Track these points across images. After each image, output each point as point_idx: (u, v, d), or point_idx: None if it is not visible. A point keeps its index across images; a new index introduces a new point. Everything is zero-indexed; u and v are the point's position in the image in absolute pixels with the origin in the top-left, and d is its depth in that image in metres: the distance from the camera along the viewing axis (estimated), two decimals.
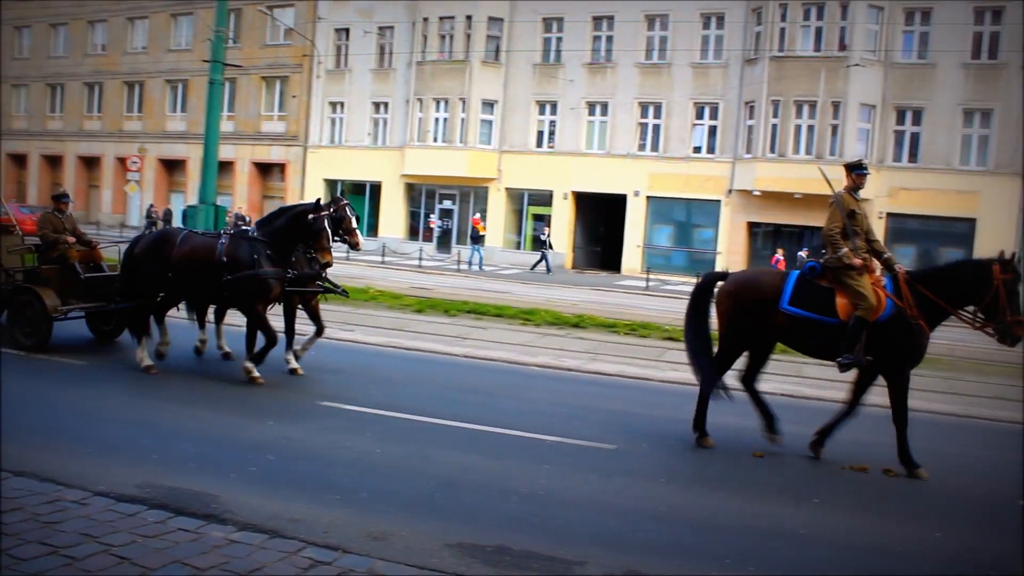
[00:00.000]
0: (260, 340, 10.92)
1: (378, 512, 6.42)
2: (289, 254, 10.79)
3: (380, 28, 40.37)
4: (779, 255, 30.98)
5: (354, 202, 40.86)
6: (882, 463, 8.68)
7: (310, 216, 10.40)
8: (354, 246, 11.33)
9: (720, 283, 9.36)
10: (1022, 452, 9.28)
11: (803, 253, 30.55)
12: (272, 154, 43.66)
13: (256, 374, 10.55)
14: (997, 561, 6.38)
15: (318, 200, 10.67)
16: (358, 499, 6.71)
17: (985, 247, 30.98)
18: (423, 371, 11.53)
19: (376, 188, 41.13)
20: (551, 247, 35.03)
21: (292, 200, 42.34)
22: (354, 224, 11.19)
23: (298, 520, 6.09)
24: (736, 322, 9.03)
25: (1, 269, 12.26)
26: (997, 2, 31.08)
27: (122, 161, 43.26)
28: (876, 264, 9.04)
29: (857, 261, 8.59)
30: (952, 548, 6.60)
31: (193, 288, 11.12)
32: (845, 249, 8.66)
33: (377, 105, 40.81)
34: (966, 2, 31.28)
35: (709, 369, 9.17)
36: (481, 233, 35.90)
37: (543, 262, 34.22)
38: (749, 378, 9.41)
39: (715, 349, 9.36)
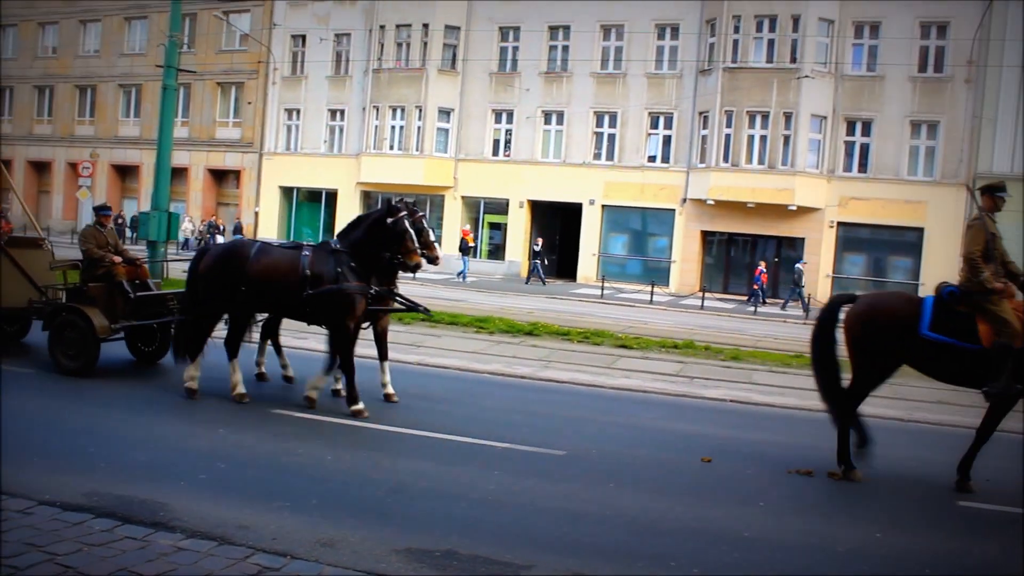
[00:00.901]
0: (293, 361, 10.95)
1: (327, 518, 6.45)
2: (374, 266, 10.12)
3: (337, 35, 40.29)
4: (762, 267, 31.37)
5: (310, 210, 41.46)
6: (827, 467, 8.85)
7: (388, 220, 9.89)
8: (433, 260, 10.43)
9: (847, 306, 8.95)
10: (961, 454, 9.49)
11: (800, 266, 30.87)
12: (227, 160, 43.34)
13: (361, 406, 9.82)
14: (934, 559, 6.54)
15: (389, 201, 10.16)
16: (307, 505, 6.73)
17: (933, 255, 31.74)
18: (376, 379, 11.49)
19: (332, 196, 40.97)
20: (544, 259, 35.01)
21: (247, 207, 42.20)
22: (432, 236, 10.55)
23: (247, 527, 6.11)
24: (870, 348, 8.51)
25: (32, 286, 11.77)
26: (942, 17, 31.79)
27: (73, 166, 42.63)
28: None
29: (998, 285, 8.34)
30: (892, 548, 6.77)
31: (270, 304, 10.47)
32: (986, 273, 8.36)
33: (333, 112, 40.69)
34: (913, 17, 31.96)
35: (843, 403, 8.75)
36: (470, 244, 35.75)
37: (536, 273, 34.23)
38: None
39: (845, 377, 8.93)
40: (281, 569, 5.39)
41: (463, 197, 38.48)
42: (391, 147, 38.19)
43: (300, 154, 41.31)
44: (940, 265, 31.64)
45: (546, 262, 35.42)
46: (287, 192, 42.20)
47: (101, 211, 11.84)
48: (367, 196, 40.22)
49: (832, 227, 33.05)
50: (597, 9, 35.74)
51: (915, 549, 6.78)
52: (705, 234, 35.02)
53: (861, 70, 32.89)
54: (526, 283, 33.89)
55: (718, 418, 11.40)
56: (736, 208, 33.30)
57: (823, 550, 6.61)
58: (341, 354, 9.91)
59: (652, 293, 29.71)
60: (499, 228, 38.42)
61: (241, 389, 10.20)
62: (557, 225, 38.57)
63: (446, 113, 37.90)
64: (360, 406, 9.76)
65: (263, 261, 10.12)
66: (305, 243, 10.70)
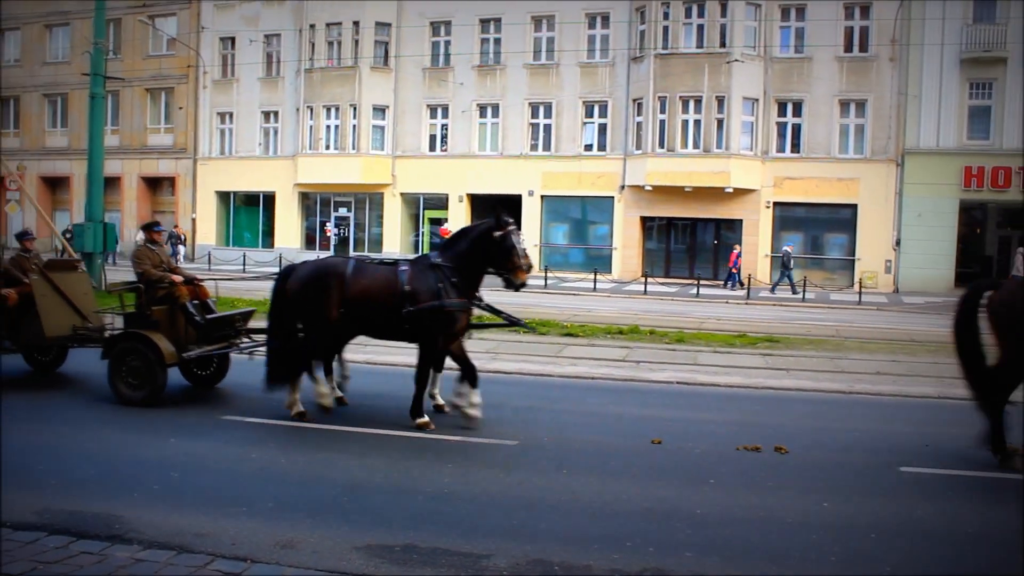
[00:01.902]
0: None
1: (285, 520, 6.48)
2: (478, 281, 9.80)
3: (267, 36, 39.84)
4: (738, 250, 31.82)
5: (248, 214, 41.06)
6: (773, 442, 9.07)
7: (496, 234, 9.49)
8: (517, 285, 9.83)
9: (989, 293, 8.79)
10: (900, 423, 9.81)
11: (788, 248, 31.16)
12: (160, 167, 42.61)
13: (425, 419, 9.52)
14: (878, 524, 6.77)
15: (497, 215, 9.67)
16: (264, 509, 6.75)
17: (866, 231, 32.46)
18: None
19: (270, 198, 40.58)
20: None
21: (183, 214, 41.62)
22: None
23: (204, 534, 6.11)
24: (1019, 333, 8.31)
25: (75, 313, 11.20)
26: None
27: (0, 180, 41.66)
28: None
29: None
30: (838, 516, 6.99)
31: (369, 323, 9.86)
32: None
33: (267, 114, 40.26)
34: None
35: (993, 390, 8.59)
36: None
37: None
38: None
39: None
40: (242, 573, 5.43)
41: (402, 194, 38.37)
42: (327, 147, 37.93)
43: (235, 158, 40.83)
44: (874, 240, 32.47)
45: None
46: (224, 197, 41.67)
47: (153, 228, 11.25)
48: (305, 197, 39.95)
49: (768, 207, 33.59)
50: (527, 1, 35.82)
51: (860, 516, 7.00)
52: (644, 220, 35.34)
53: (789, 52, 33.43)
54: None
55: (666, 400, 11.59)
56: (674, 193, 33.66)
57: (772, 522, 6.80)
58: (422, 369, 9.60)
59: (595, 281, 29.93)
60: (440, 223, 38.36)
61: (301, 408, 9.77)
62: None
63: (381, 110, 37.74)
64: (425, 419, 9.47)
65: (362, 280, 9.60)
66: (401, 258, 10.19)
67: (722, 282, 31.87)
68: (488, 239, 9.54)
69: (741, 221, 33.78)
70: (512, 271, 9.58)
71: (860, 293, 28.86)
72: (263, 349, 10.61)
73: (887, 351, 16.31)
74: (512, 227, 9.57)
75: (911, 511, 7.16)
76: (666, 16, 33.19)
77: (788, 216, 34.04)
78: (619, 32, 34.96)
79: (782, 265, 30.71)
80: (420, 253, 35.11)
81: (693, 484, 7.77)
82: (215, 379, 11.52)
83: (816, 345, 16.78)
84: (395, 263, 9.88)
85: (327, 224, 39.86)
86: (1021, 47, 30.87)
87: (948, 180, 31.66)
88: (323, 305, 9.55)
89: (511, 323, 10.47)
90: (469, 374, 9.75)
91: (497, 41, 36.79)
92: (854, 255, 32.95)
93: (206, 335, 10.68)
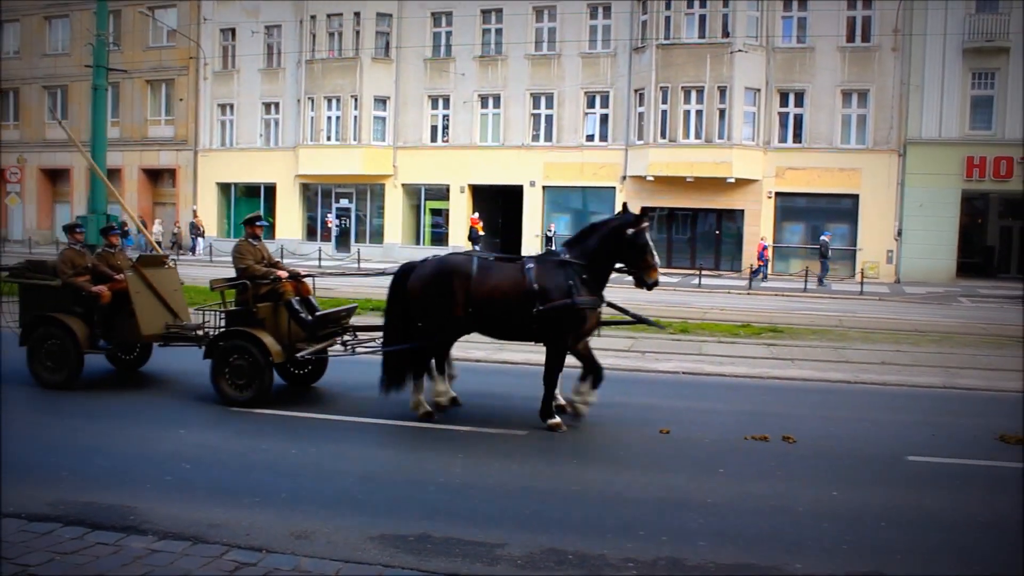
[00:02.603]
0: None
1: (299, 511, 6.50)
2: (606, 278, 9.49)
3: (267, 27, 39.76)
4: (764, 242, 31.78)
5: (248, 205, 40.98)
6: (781, 431, 9.10)
7: (629, 231, 9.22)
8: (650, 284, 9.52)
9: None
10: (906, 412, 9.84)
11: (826, 237, 31.14)
12: (161, 159, 42.57)
13: (557, 419, 9.23)
14: (889, 512, 6.81)
15: (629, 210, 9.57)
16: (278, 500, 6.78)
17: (868, 221, 32.45)
18: (337, 370, 11.49)
19: (271, 190, 40.56)
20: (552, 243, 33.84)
21: (183, 205, 41.62)
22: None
23: (219, 525, 6.14)
24: None
25: (167, 310, 10.99)
26: None
27: (0, 172, 41.59)
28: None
29: None
30: (849, 505, 7.02)
31: (495, 323, 9.49)
32: None
33: (268, 106, 40.20)
34: None
35: None
36: (480, 233, 34.58)
37: None
38: None
39: None
40: (258, 564, 5.43)
41: (403, 185, 38.34)
42: (328, 138, 37.89)
43: (236, 149, 40.78)
44: (875, 230, 32.45)
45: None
46: (224, 188, 41.65)
47: (254, 222, 10.69)
48: (306, 188, 39.92)
49: (770, 198, 33.56)
50: None
51: (871, 504, 7.04)
52: (647, 210, 35.17)
53: (791, 42, 33.34)
54: None
55: (672, 390, 11.62)
56: (676, 183, 33.63)
57: (784, 511, 6.84)
58: (551, 370, 9.33)
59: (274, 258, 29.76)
60: (441, 214, 38.37)
61: (427, 407, 9.49)
62: (499, 208, 38.60)
63: (382, 101, 37.68)
64: (557, 419, 9.19)
65: (489, 278, 9.26)
66: (526, 255, 9.80)
67: (749, 276, 31.22)
68: (621, 235, 9.26)
69: (743, 211, 33.78)
70: (645, 269, 9.33)
71: (862, 283, 28.88)
72: (367, 347, 10.48)
73: (891, 341, 16.33)
74: (646, 224, 9.32)
75: (920, 500, 7.19)
76: (668, 6, 33.12)
77: (790, 206, 34.02)
78: (621, 22, 34.89)
79: (821, 255, 30.63)
80: (481, 248, 35.00)
81: (703, 473, 7.80)
82: (312, 378, 11.12)
83: (820, 335, 16.80)
84: (519, 260, 9.55)
85: (328, 215, 39.83)
86: (1023, 37, 30.84)
87: (950, 170, 31.63)
88: (449, 304, 9.23)
89: (638, 321, 10.16)
90: (594, 374, 9.51)
91: (499, 31, 36.71)
92: (855, 245, 32.94)
93: (312, 333, 10.27)
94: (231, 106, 40.72)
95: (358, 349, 10.58)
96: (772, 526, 6.50)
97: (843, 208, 33.36)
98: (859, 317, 20.41)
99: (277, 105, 39.89)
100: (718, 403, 10.72)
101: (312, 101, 37.91)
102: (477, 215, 35.47)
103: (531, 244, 36.49)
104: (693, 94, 32.85)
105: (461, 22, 36.93)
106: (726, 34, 32.58)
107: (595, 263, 9.32)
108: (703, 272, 30.75)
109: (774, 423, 9.49)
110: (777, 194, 33.59)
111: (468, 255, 9.78)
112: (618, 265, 9.51)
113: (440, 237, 38.30)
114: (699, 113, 32.80)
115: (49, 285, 10.82)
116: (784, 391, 11.49)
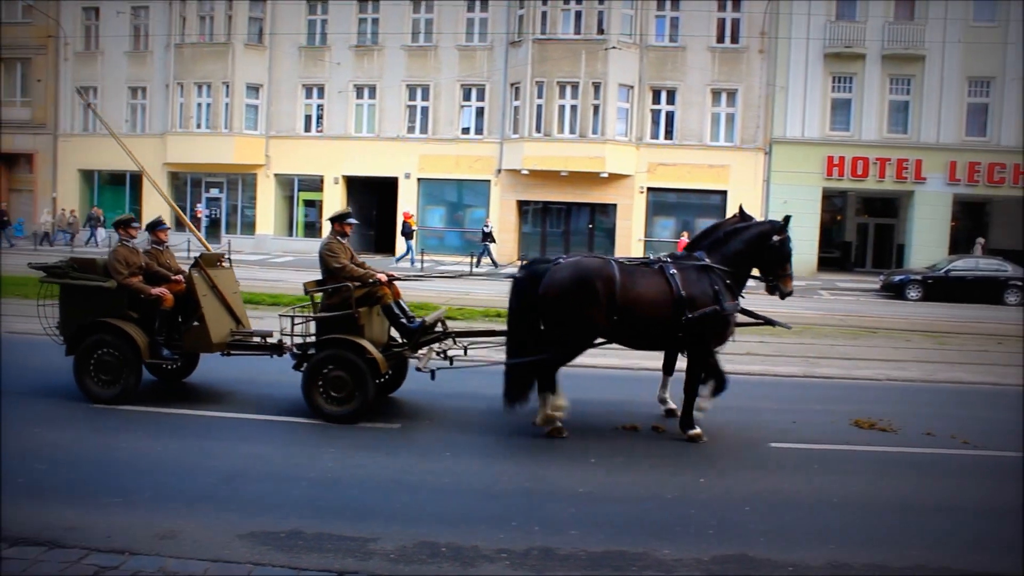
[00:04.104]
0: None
1: (164, 511, 6.31)
2: (744, 284, 9.30)
3: (134, 8, 38.31)
4: (684, 237, 32.10)
5: (113, 193, 39.51)
6: (651, 421, 9.32)
7: (775, 238, 9.05)
8: (785, 293, 9.41)
9: None
10: (767, 401, 10.22)
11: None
12: (17, 143, 40.41)
13: (698, 430, 8.87)
14: (752, 496, 7.09)
15: (787, 218, 9.27)
16: (141, 500, 6.55)
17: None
18: (203, 364, 11.19)
19: (137, 178, 39.09)
20: (493, 239, 33.45)
21: (43, 193, 39.77)
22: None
23: (76, 527, 5.89)
24: None
25: (231, 316, 10.13)
26: None
27: None
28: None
29: None
30: (715, 490, 7.27)
31: (640, 331, 8.94)
32: None
33: (134, 90, 38.75)
34: None
35: None
36: (413, 228, 33.64)
37: (487, 255, 32.65)
38: None
39: None
40: (120, 567, 5.26)
41: (276, 175, 37.59)
42: (198, 125, 36.82)
43: (99, 135, 39.03)
44: None
45: (495, 240, 33.75)
46: (87, 175, 40.02)
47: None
48: (175, 177, 38.70)
49: (642, 193, 34.31)
50: None
51: (735, 489, 7.31)
52: (521, 204, 35.58)
53: (664, 41, 34.13)
54: (476, 266, 31.32)
55: None
56: (550, 177, 34.00)
57: (653, 498, 7.02)
58: (694, 378, 8.99)
59: (471, 264, 29.94)
60: (314, 205, 37.78)
61: (558, 423, 8.85)
62: (373, 200, 38.26)
63: (255, 89, 36.84)
64: (698, 430, 8.84)
65: (635, 284, 8.74)
66: (656, 257, 9.34)
67: None
68: (766, 242, 9.10)
69: (615, 206, 34.40)
70: (782, 278, 9.25)
71: None
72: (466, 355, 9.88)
73: (754, 332, 16.78)
74: (788, 233, 9.19)
75: (780, 484, 7.51)
76: (545, 1, 33.46)
77: (661, 201, 34.84)
78: (498, 16, 35.04)
79: None
80: (482, 243, 34.13)
81: (575, 463, 7.92)
82: (391, 387, 10.37)
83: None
84: (656, 264, 9.08)
85: (198, 205, 38.70)
86: (879, 44, 32.43)
87: (812, 169, 33.01)
88: (591, 312, 8.65)
89: (767, 323, 9.92)
90: (716, 380, 9.11)
91: (375, 21, 36.37)
92: (679, 238, 33.94)
93: (415, 340, 9.56)
94: (95, 89, 39.01)
95: (465, 355, 9.95)
96: (641, 513, 6.66)
97: (712, 203, 34.33)
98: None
99: (144, 90, 38.52)
100: (590, 394, 10.82)
101: (181, 87, 36.78)
102: (409, 210, 34.84)
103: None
104: (568, 89, 33.26)
105: (337, 10, 36.42)
106: (601, 31, 33.12)
107: (736, 268, 9.12)
108: None
109: (644, 413, 9.72)
110: (649, 189, 34.38)
111: (604, 259, 9.15)
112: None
113: (312, 229, 37.68)
114: (574, 108, 33.25)
115: (101, 287, 9.53)
116: (651, 382, 11.72)
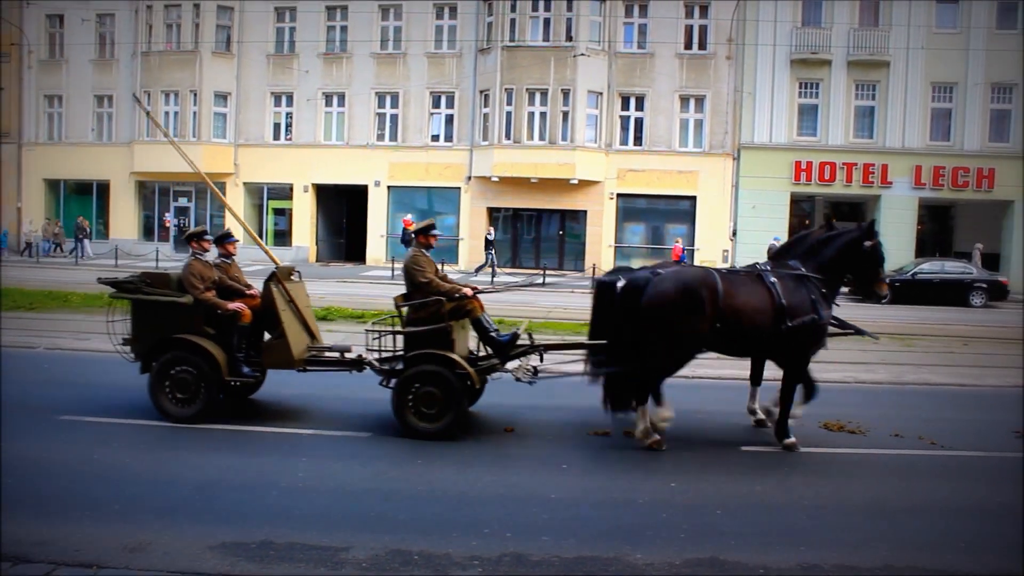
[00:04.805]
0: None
1: (134, 523, 6.25)
2: (837, 292, 9.42)
3: (99, 15, 37.98)
4: (678, 243, 32.28)
5: (79, 203, 39.10)
6: (622, 426, 9.34)
7: (866, 243, 9.22)
8: (881, 297, 9.81)
9: None
10: (737, 405, 10.28)
11: (774, 242, 31.67)
12: None
13: (793, 439, 8.92)
14: (724, 500, 7.13)
15: (872, 223, 9.53)
16: (110, 512, 6.49)
17: (705, 222, 33.75)
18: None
19: (104, 187, 38.78)
20: (495, 248, 33.03)
21: (7, 202, 39.30)
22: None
23: (45, 542, 5.82)
24: None
25: (306, 330, 9.88)
26: None
27: None
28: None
29: None
30: (687, 494, 7.31)
31: (742, 340, 8.99)
32: None
33: (100, 98, 38.39)
34: None
35: None
36: (412, 235, 32.85)
37: (491, 264, 32.20)
38: None
39: None
40: None
41: (245, 184, 37.36)
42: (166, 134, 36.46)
43: (65, 144, 38.76)
44: (712, 231, 33.75)
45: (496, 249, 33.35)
46: (53, 185, 39.57)
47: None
48: (143, 186, 38.39)
49: (612, 199, 34.43)
50: None
51: (707, 493, 7.35)
52: (491, 210, 35.59)
53: (632, 48, 34.30)
54: (476, 273, 31.84)
55: (516, 389, 11.65)
56: (520, 184, 34.05)
57: (625, 503, 7.04)
58: (790, 387, 9.08)
59: (543, 275, 29.77)
60: (284, 214, 37.60)
61: (658, 435, 8.81)
62: (343, 208, 38.13)
63: (223, 97, 36.64)
64: (793, 439, 8.90)
65: (739, 293, 8.80)
66: (756, 266, 9.39)
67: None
68: (859, 248, 9.25)
69: (585, 212, 34.50)
70: (876, 282, 9.41)
71: None
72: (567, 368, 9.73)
73: None
74: (878, 237, 9.36)
75: (752, 487, 7.55)
76: (513, 8, 33.53)
77: (631, 207, 34.98)
78: (467, 23, 35.08)
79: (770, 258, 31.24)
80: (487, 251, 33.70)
81: (547, 470, 7.94)
82: (472, 400, 9.97)
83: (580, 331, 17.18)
84: (754, 273, 9.16)
85: (166, 215, 38.42)
86: (844, 50, 32.79)
87: (780, 174, 33.29)
88: (698, 320, 8.67)
89: (856, 332, 9.97)
90: (807, 387, 9.32)
91: (344, 29, 36.30)
92: (693, 245, 34.14)
93: (506, 353, 9.35)
94: (59, 97, 38.66)
95: (561, 369, 9.81)
96: (613, 518, 6.68)
97: (681, 209, 34.55)
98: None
99: (111, 98, 38.17)
100: (561, 400, 10.85)
101: (148, 95, 36.46)
102: (410, 216, 34.42)
103: (377, 245, 36.23)
104: (537, 96, 33.35)
105: (305, 18, 36.32)
106: (570, 38, 33.23)
107: (832, 275, 9.26)
108: (547, 272, 31.17)
109: (616, 419, 9.72)
110: (618, 195, 34.50)
111: (704, 268, 9.35)
112: None
113: (283, 237, 37.49)
114: (543, 115, 33.34)
115: (177, 302, 9.28)
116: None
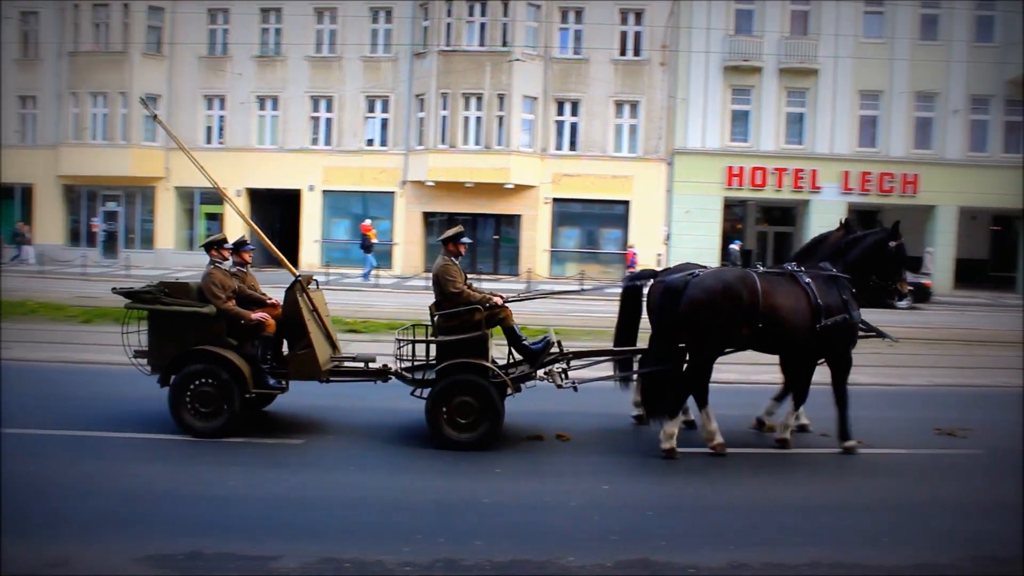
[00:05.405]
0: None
1: (54, 537, 6.09)
2: (865, 292, 9.60)
3: (23, 13, 37.04)
4: (633, 249, 32.40)
5: (3, 208, 37.97)
6: (555, 430, 9.38)
7: (891, 244, 9.48)
8: (903, 296, 10.11)
9: None
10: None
11: (735, 247, 32.00)
12: None
13: (853, 442, 9.13)
14: (656, 501, 7.23)
15: (896, 224, 9.69)
16: (29, 527, 6.30)
17: (639, 226, 34.08)
18: (98, 384, 10.87)
19: (27, 191, 37.81)
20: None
21: None
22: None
23: None
24: None
25: (329, 341, 9.67)
26: (639, 4, 34.04)
27: None
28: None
29: None
30: (619, 497, 7.37)
31: (779, 339, 9.12)
32: None
33: (24, 99, 37.42)
34: (613, 3, 33.99)
35: None
36: (373, 241, 32.83)
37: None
38: None
39: None
40: None
41: (176, 188, 36.74)
42: (94, 137, 35.79)
43: None
44: (646, 235, 34.05)
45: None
46: None
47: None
48: (69, 190, 37.53)
49: (547, 203, 34.58)
50: None
51: (638, 495, 7.43)
52: (426, 215, 35.51)
53: (568, 53, 34.51)
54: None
55: None
56: (455, 188, 34.03)
57: (557, 506, 7.07)
58: (842, 387, 9.22)
59: (377, 276, 29.77)
60: (216, 219, 37.06)
61: (720, 439, 8.89)
62: (276, 213, 37.71)
63: (153, 99, 35.96)
64: (854, 442, 9.10)
65: (777, 293, 8.94)
66: (788, 267, 9.51)
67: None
68: (884, 249, 9.50)
69: (520, 216, 34.59)
70: (899, 282, 9.66)
71: None
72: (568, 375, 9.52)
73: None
74: (902, 238, 9.58)
75: (683, 488, 7.65)
76: (449, 13, 33.51)
77: (566, 212, 35.16)
78: (402, 27, 34.98)
79: (732, 264, 31.51)
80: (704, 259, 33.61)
81: (481, 474, 7.93)
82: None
83: (595, 335, 17.34)
84: (788, 273, 9.30)
85: (94, 220, 37.60)
86: (775, 58, 33.39)
87: (713, 179, 33.77)
88: (738, 319, 8.79)
89: (878, 335, 10.00)
90: (797, 395, 9.57)
91: (278, 31, 35.95)
92: (627, 249, 34.45)
93: (538, 361, 9.26)
94: None
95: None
96: (545, 521, 6.70)
97: (616, 214, 34.83)
98: (590, 317, 21.16)
99: (35, 99, 37.25)
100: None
101: (75, 96, 35.71)
102: (369, 221, 33.95)
103: (311, 250, 35.90)
104: (473, 101, 33.37)
105: (239, 20, 35.88)
106: (505, 43, 33.31)
107: (860, 276, 9.51)
108: (482, 277, 31.20)
109: (549, 422, 9.77)
110: (554, 200, 34.66)
111: (742, 268, 9.48)
112: None
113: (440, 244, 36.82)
114: (478, 120, 33.38)
115: (198, 312, 9.01)
116: (550, 391, 11.68)
